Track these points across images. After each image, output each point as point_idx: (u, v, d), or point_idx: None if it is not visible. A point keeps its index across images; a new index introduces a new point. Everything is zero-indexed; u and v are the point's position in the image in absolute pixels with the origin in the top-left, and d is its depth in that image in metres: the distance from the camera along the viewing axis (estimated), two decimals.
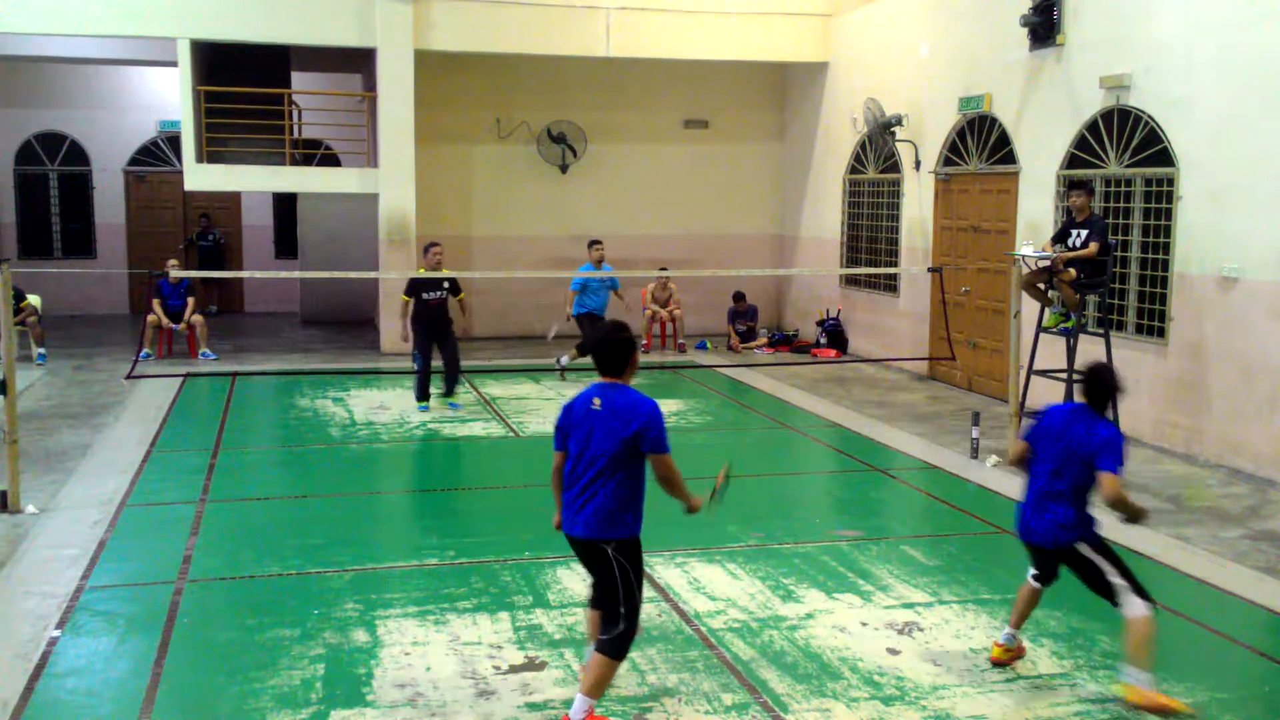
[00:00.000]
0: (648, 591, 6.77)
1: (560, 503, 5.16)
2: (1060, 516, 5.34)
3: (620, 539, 4.95)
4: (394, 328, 13.85)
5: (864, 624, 6.32)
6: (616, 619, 4.91)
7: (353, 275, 11.92)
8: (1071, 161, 11.71)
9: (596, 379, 5.06)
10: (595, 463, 4.93)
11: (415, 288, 11.83)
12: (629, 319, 14.20)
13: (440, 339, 11.98)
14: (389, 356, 15.72)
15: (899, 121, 14.59)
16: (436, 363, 12.07)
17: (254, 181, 17.18)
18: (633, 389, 5.02)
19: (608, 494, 4.93)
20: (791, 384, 14.05)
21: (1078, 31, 11.57)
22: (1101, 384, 5.44)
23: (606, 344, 5.08)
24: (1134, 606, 5.23)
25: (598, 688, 4.93)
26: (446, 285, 11.91)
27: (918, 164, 14.55)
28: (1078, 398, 5.56)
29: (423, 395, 12.05)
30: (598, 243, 13.70)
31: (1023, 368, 10.35)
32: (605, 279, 13.55)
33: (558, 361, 13.81)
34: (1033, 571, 5.65)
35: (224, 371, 14.24)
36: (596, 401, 4.98)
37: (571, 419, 5.05)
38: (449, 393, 12.28)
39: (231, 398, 12.80)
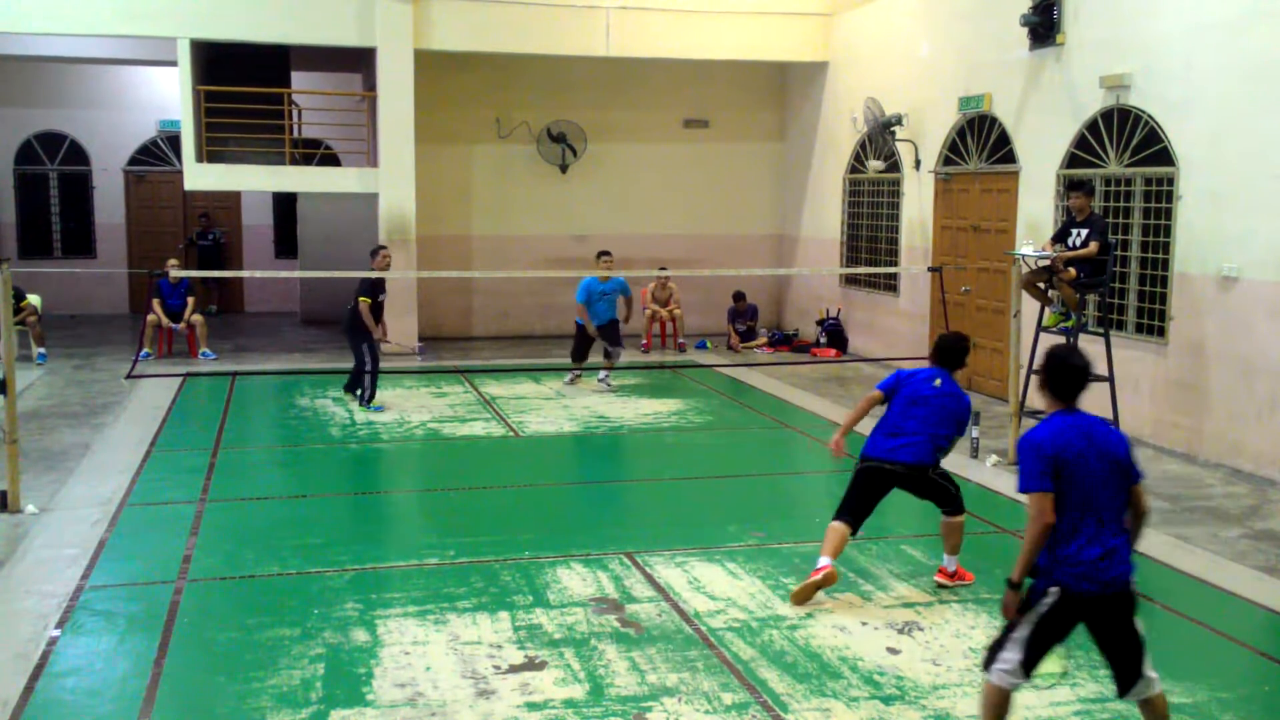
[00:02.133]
0: (647, 590, 6.78)
1: (849, 426, 7.14)
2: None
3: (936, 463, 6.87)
4: (402, 329, 13.84)
5: (864, 624, 6.32)
6: (956, 499, 6.90)
7: (353, 275, 11.91)
8: (1071, 161, 11.71)
9: (926, 364, 7.00)
10: (926, 417, 6.76)
11: (375, 289, 11.96)
12: (630, 324, 14.31)
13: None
14: (389, 356, 15.70)
15: (899, 121, 14.59)
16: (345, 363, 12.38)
17: (254, 181, 17.18)
18: (953, 379, 6.90)
19: (929, 437, 6.76)
20: (791, 384, 14.04)
21: (1078, 31, 11.57)
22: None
23: (954, 349, 6.96)
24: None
25: (959, 545, 6.95)
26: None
27: (918, 163, 14.55)
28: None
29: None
30: (605, 254, 13.55)
31: (1023, 367, 10.35)
32: (610, 290, 13.25)
33: (605, 382, 13.52)
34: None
35: (224, 371, 14.24)
36: (937, 381, 6.86)
37: (910, 384, 6.89)
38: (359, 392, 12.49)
39: (231, 398, 12.79)
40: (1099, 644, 4.59)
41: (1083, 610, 4.48)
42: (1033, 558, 4.43)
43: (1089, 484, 4.42)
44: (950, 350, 6.96)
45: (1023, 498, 4.49)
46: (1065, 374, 4.57)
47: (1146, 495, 4.60)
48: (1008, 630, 4.55)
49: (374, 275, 11.90)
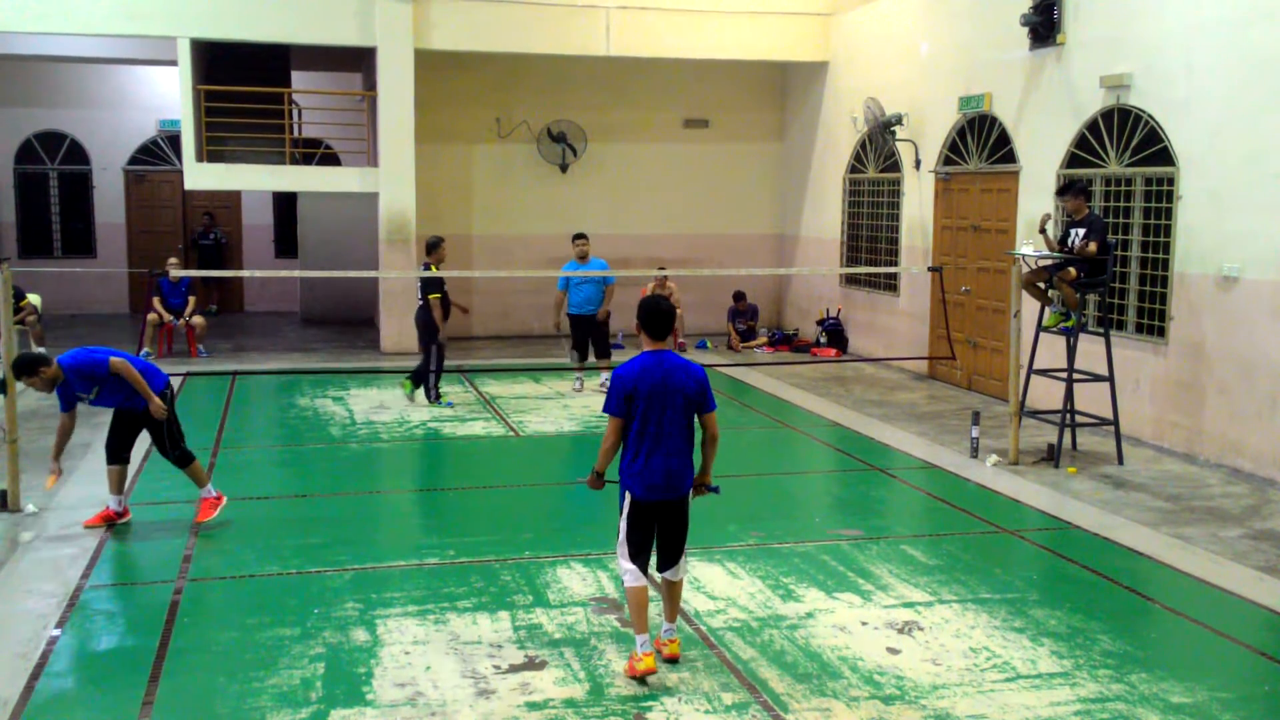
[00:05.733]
0: (648, 592, 6.77)
1: None
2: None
3: None
4: (403, 329, 13.83)
5: (864, 623, 6.32)
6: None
7: (353, 275, 11.92)
8: (1072, 161, 11.71)
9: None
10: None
11: (441, 284, 12.08)
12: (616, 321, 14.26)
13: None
14: (389, 356, 15.72)
15: (899, 121, 14.59)
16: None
17: (254, 181, 17.18)
18: None
19: None
20: (791, 383, 14.05)
21: (1078, 31, 11.57)
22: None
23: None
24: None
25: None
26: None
27: (918, 163, 14.55)
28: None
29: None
30: (580, 237, 13.29)
31: (1023, 367, 10.35)
32: (591, 276, 13.01)
33: (579, 383, 13.42)
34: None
35: (224, 371, 14.24)
36: None
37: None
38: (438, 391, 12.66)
39: (231, 397, 12.80)
40: (657, 533, 5.69)
41: (651, 509, 5.62)
42: (606, 462, 5.67)
43: (659, 411, 5.51)
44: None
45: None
46: (656, 317, 5.61)
47: (716, 423, 5.70)
48: (618, 535, 5.71)
49: (427, 275, 11.80)
